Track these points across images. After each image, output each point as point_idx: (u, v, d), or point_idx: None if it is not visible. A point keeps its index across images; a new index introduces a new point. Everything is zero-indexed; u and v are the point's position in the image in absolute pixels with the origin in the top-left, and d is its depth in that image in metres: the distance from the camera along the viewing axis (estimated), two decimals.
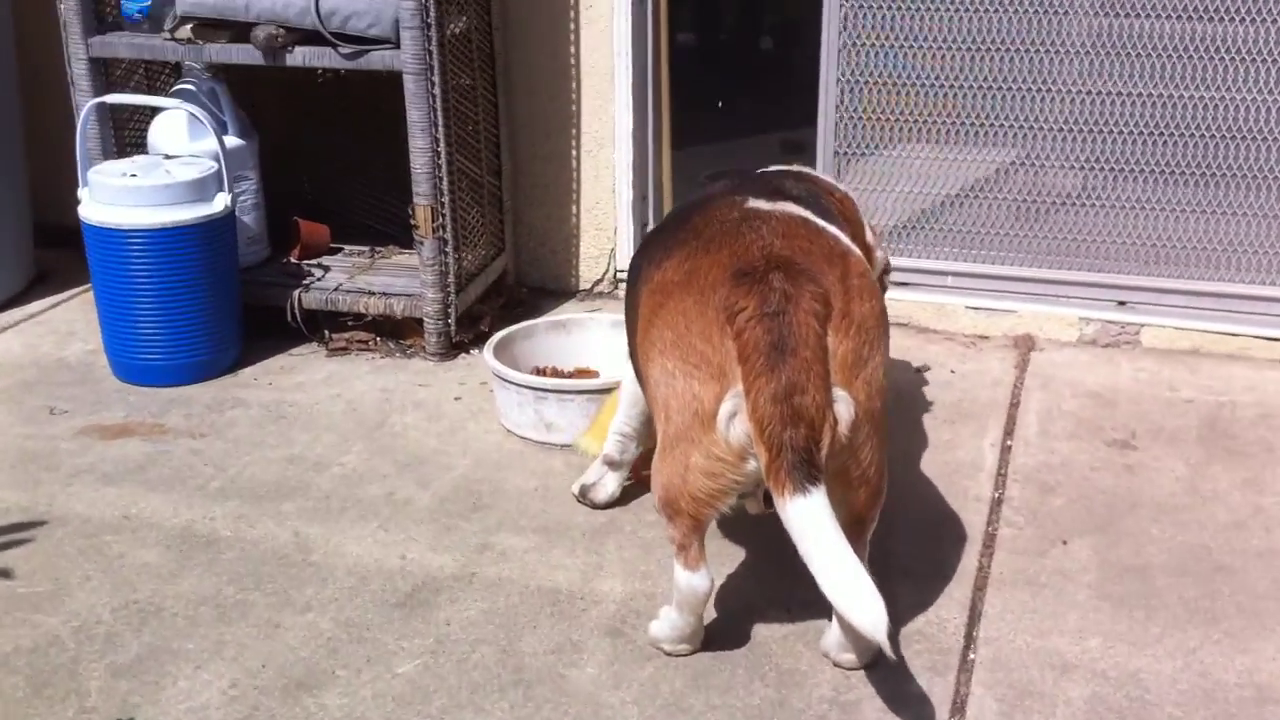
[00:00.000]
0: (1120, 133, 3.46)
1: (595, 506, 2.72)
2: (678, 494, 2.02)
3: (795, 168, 2.74)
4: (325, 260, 3.84)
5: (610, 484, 2.72)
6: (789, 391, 1.85)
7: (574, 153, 3.85)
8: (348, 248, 3.93)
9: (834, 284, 1.95)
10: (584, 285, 4.00)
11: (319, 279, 3.68)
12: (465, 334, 3.58)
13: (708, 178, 4.75)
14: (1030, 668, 2.20)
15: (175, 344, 3.31)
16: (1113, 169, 3.49)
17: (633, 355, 2.31)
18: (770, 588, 2.41)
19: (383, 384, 3.39)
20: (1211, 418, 3.10)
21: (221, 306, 3.37)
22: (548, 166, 3.89)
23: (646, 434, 2.70)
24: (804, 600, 2.32)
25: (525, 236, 3.99)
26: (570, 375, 3.26)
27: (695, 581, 2.10)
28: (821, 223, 2.09)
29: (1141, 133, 3.43)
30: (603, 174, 3.85)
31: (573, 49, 3.74)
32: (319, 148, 4.01)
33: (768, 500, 2.02)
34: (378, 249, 3.93)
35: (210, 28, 3.31)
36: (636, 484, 2.77)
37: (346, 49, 3.25)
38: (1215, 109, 3.36)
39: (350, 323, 3.64)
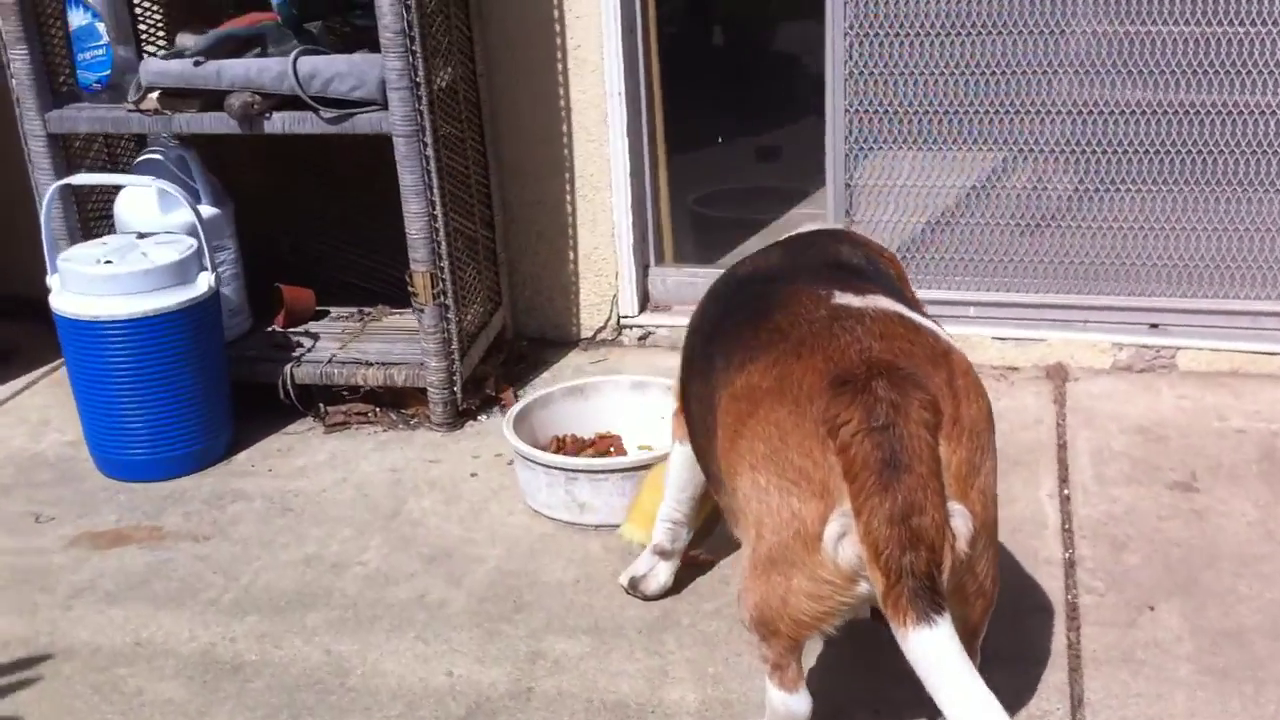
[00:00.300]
0: (1140, 149, 3.32)
1: (646, 599, 2.54)
2: (775, 616, 1.84)
3: (831, 225, 2.57)
4: (312, 327, 3.62)
5: (662, 574, 2.54)
6: (906, 512, 1.68)
7: (568, 197, 3.66)
8: (334, 310, 3.71)
9: (941, 388, 1.78)
10: (585, 334, 3.81)
11: (309, 350, 3.46)
12: (471, 400, 3.38)
13: (696, 203, 4.58)
14: None
15: (164, 437, 3.07)
16: (1136, 187, 3.35)
17: (700, 455, 2.13)
18: (853, 684, 2.24)
19: (390, 462, 3.18)
20: (1269, 449, 2.98)
21: (211, 392, 3.14)
22: (541, 213, 3.69)
23: (697, 518, 2.53)
24: (891, 698, 2.17)
25: (521, 287, 3.79)
26: (591, 442, 3.08)
27: (794, 704, 1.93)
28: (918, 318, 1.92)
29: (1162, 148, 3.30)
30: (600, 218, 3.66)
31: (561, 91, 3.54)
32: (294, 207, 3.78)
33: (875, 613, 1.86)
34: (366, 311, 3.71)
35: (178, 97, 3.07)
36: (685, 567, 2.60)
37: (329, 113, 3.03)
38: (1236, 120, 3.24)
39: (346, 394, 3.42)
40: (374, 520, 2.91)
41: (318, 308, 3.69)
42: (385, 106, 3.01)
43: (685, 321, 3.75)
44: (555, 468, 2.79)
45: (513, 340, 3.77)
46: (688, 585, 2.58)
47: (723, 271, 2.47)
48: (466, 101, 3.39)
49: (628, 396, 3.12)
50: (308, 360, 3.38)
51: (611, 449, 3.07)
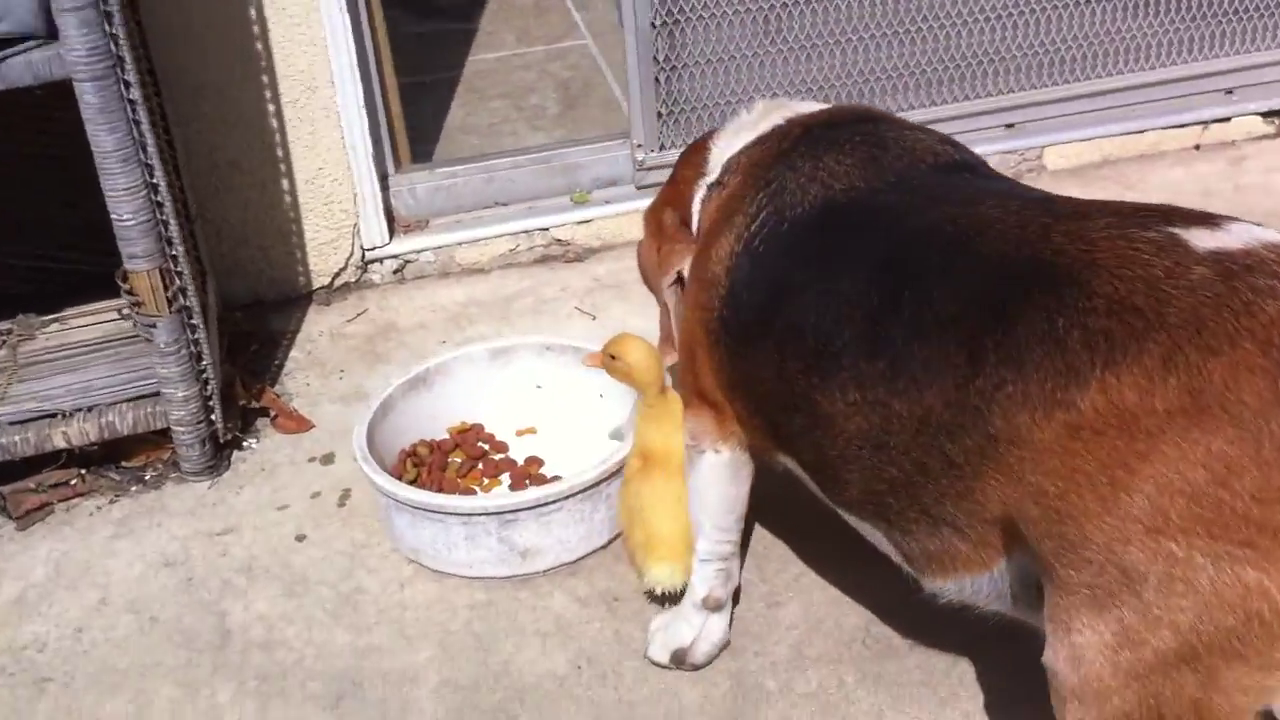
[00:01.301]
0: None
1: (697, 668, 1.77)
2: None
3: (851, 105, 1.81)
4: None
5: (716, 632, 1.77)
6: None
7: (271, 108, 2.58)
8: None
9: None
10: (320, 282, 2.80)
11: None
12: (229, 423, 2.33)
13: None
14: None
15: None
16: None
17: (867, 496, 1.37)
18: None
19: (159, 552, 2.11)
20: None
21: None
22: (233, 134, 2.59)
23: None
24: None
25: (217, 240, 2.70)
26: (454, 444, 2.20)
27: None
28: None
29: None
30: (321, 128, 2.62)
31: None
32: None
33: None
34: (1, 328, 2.49)
35: None
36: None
37: None
38: None
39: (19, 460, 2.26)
40: (199, 659, 1.89)
41: None
42: (51, 38, 1.84)
43: (452, 239, 2.87)
44: (481, 514, 1.89)
45: (223, 317, 2.70)
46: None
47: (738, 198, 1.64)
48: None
49: (486, 372, 2.25)
50: None
51: (485, 446, 2.21)
